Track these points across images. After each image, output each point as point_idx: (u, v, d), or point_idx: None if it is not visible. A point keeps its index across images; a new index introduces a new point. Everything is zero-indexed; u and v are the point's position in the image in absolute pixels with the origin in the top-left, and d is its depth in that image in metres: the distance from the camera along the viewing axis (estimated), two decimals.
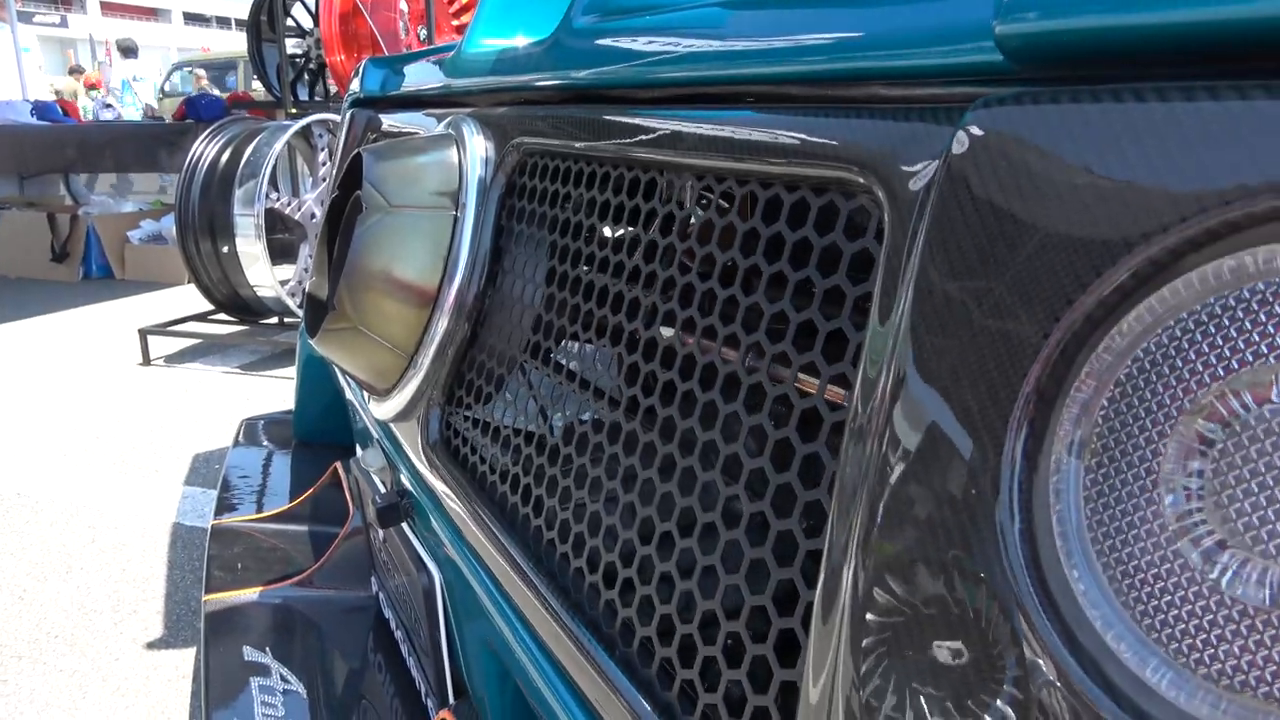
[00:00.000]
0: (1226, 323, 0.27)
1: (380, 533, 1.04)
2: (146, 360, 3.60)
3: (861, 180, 0.43)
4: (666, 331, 0.60)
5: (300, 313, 3.56)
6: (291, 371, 3.49)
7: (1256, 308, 0.26)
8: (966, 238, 0.34)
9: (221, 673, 1.08)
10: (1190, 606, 0.26)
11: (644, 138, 0.63)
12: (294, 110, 4.49)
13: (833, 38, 0.50)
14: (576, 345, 0.83)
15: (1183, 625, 0.26)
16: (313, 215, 3.58)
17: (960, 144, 0.36)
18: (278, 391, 3.25)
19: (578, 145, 0.73)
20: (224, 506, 1.56)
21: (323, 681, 1.09)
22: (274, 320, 3.85)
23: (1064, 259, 0.30)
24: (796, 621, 0.42)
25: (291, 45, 4.76)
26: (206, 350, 3.78)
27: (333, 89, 4.91)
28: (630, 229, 0.66)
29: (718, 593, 0.48)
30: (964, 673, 0.30)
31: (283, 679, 1.07)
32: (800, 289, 0.48)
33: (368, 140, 1.58)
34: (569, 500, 0.66)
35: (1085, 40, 0.31)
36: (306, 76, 5.53)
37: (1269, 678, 0.24)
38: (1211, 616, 0.26)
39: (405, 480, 0.95)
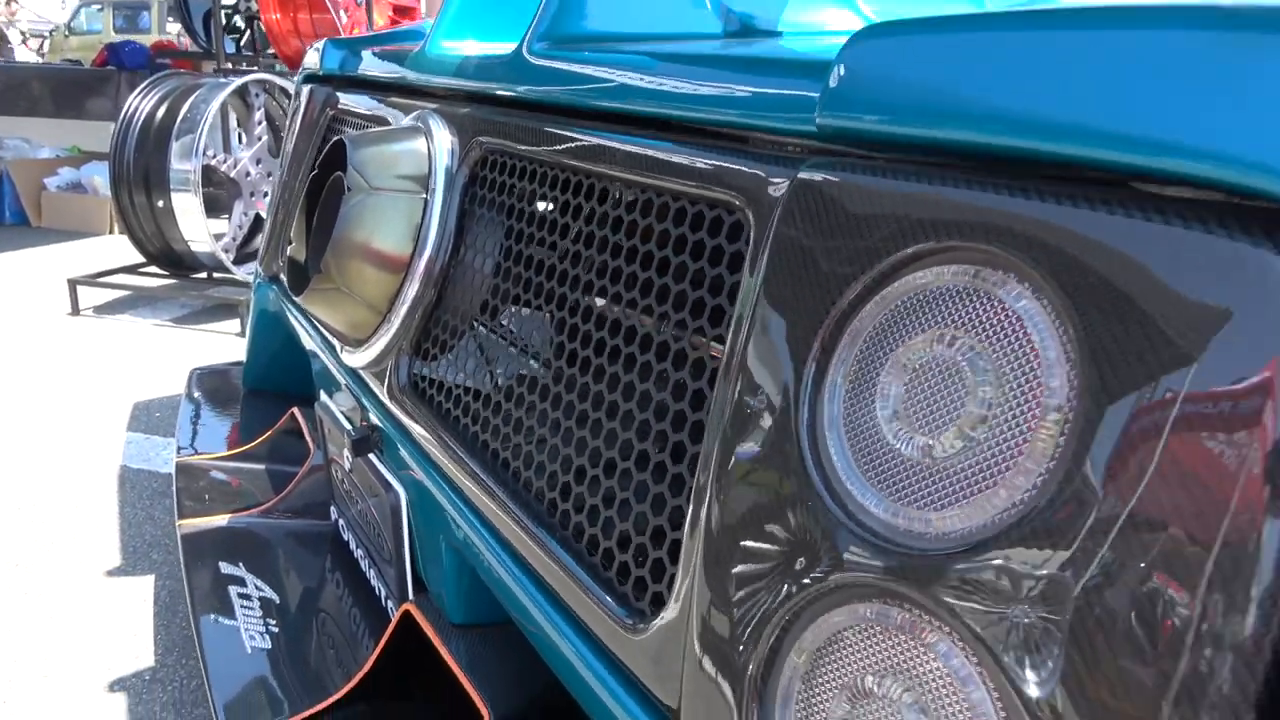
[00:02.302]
0: (914, 309, 0.48)
1: (347, 464, 1.21)
2: (76, 310, 3.63)
3: (738, 203, 0.64)
4: (599, 300, 0.80)
5: (234, 269, 3.63)
6: (223, 326, 3.57)
7: (927, 302, 0.47)
8: (791, 250, 0.55)
9: (203, 583, 1.25)
10: (886, 463, 0.48)
11: (583, 149, 0.83)
12: (227, 65, 4.49)
13: (725, 94, 0.70)
14: (524, 306, 1.02)
15: (883, 473, 0.48)
16: (247, 173, 3.65)
17: (794, 188, 0.57)
18: (211, 345, 3.33)
19: (530, 149, 0.92)
20: (184, 449, 1.71)
21: (292, 590, 1.27)
22: (203, 275, 3.90)
23: (842, 267, 0.51)
24: (684, 500, 0.63)
25: None
26: (136, 302, 3.82)
27: (266, 47, 4.90)
28: (570, 221, 0.86)
29: (631, 484, 0.69)
30: (774, 504, 0.51)
31: (257, 587, 1.25)
32: (696, 275, 0.68)
33: (325, 115, 1.72)
34: (520, 427, 0.86)
35: (859, 135, 0.52)
36: (237, 29, 5.49)
37: (921, 496, 0.46)
38: (896, 468, 0.47)
39: (374, 418, 1.13)
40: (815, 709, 0.49)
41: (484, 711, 0.90)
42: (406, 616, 1.03)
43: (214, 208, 3.74)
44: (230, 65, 4.65)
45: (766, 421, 0.54)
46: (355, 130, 1.55)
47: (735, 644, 0.53)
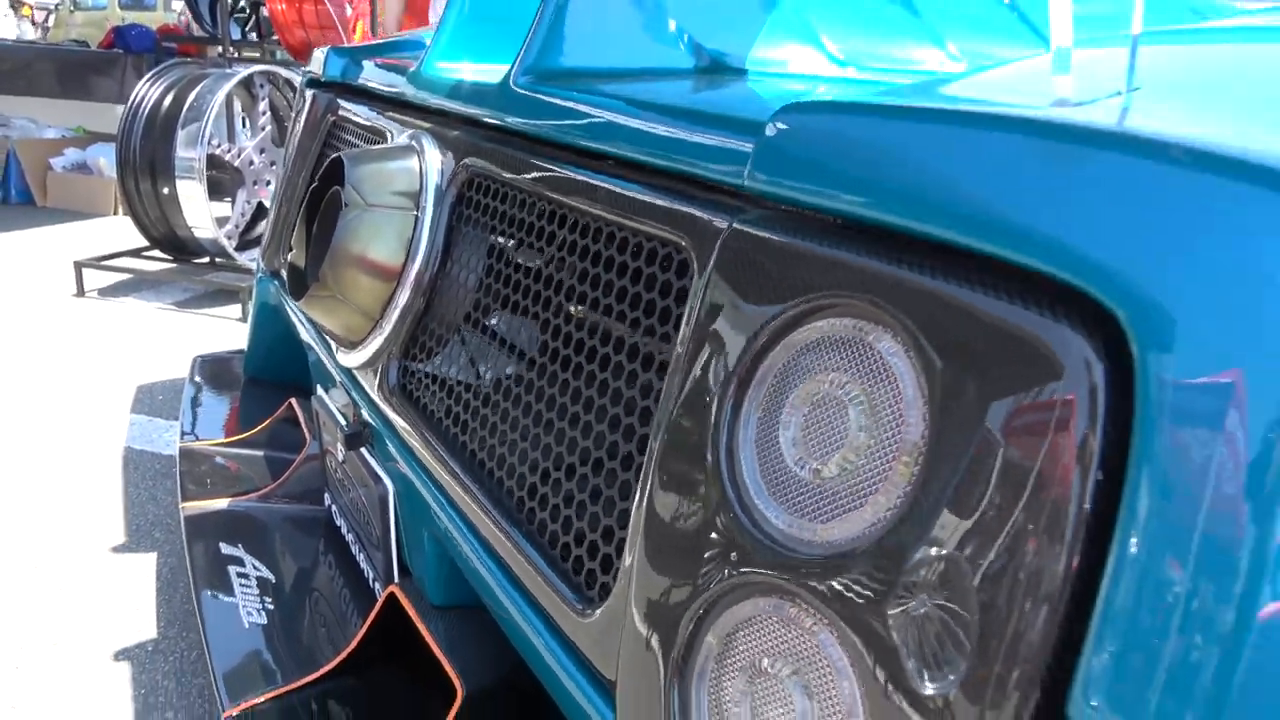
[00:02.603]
0: (812, 353, 0.57)
1: (340, 455, 1.31)
2: (81, 292, 3.71)
3: (684, 243, 0.73)
4: (565, 319, 0.89)
5: (236, 255, 3.71)
6: (224, 310, 3.65)
7: (822, 349, 0.56)
8: (721, 291, 0.64)
9: (204, 562, 1.34)
10: (786, 482, 0.57)
11: (556, 181, 0.91)
12: (232, 52, 4.56)
13: (679, 141, 0.79)
14: (501, 318, 1.11)
15: (783, 490, 0.57)
16: (251, 162, 3.73)
17: (729, 235, 0.66)
18: (212, 329, 3.42)
19: (511, 175, 1.00)
20: (187, 433, 1.80)
21: (288, 570, 1.37)
22: (206, 260, 3.97)
23: (759, 312, 0.60)
24: (629, 503, 0.72)
25: None
26: (139, 285, 3.90)
27: (270, 32, 4.96)
28: (543, 244, 0.94)
29: (587, 487, 0.78)
30: (697, 512, 0.61)
31: (255, 567, 1.34)
32: (649, 305, 0.77)
33: (327, 121, 1.80)
34: (494, 430, 0.95)
35: (777, 197, 0.61)
36: (242, 12, 5.55)
37: (811, 511, 0.55)
38: (793, 486, 0.56)
39: (366, 415, 1.22)
40: (723, 685, 0.58)
41: (458, 685, 0.99)
42: (391, 598, 1.13)
43: (215, 189, 3.81)
44: (235, 51, 4.72)
45: (695, 441, 0.63)
46: (354, 137, 1.63)
47: (663, 628, 0.63)
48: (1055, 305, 0.45)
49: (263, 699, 1.09)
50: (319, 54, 1.91)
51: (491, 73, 1.22)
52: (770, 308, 0.60)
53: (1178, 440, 0.40)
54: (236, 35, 5.49)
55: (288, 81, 3.70)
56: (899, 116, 0.54)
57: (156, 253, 3.98)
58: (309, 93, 1.93)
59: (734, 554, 0.58)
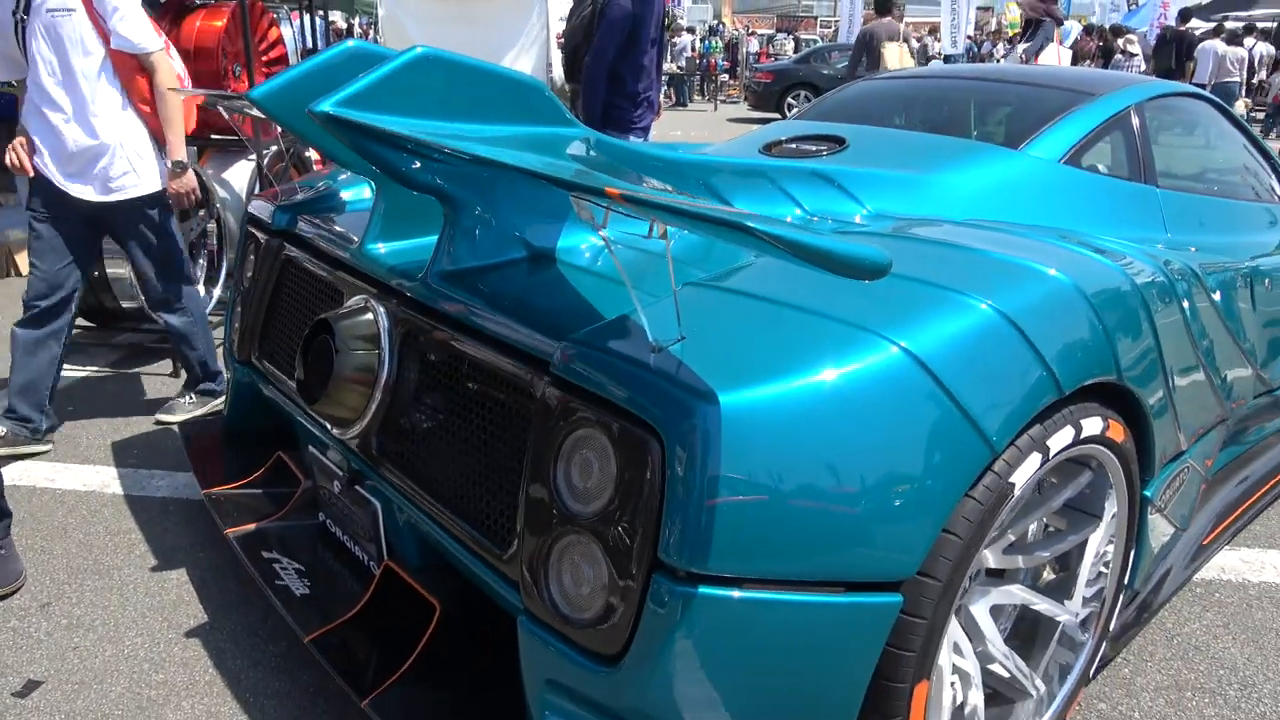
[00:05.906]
0: (580, 442, 1.51)
1: (336, 488, 2.16)
2: None
3: (534, 391, 1.64)
4: (471, 417, 1.79)
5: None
6: (152, 368, 4.32)
7: (583, 440, 1.50)
8: (546, 412, 1.57)
9: (258, 564, 2.18)
10: (575, 490, 1.51)
11: (458, 344, 1.81)
12: None
13: (517, 329, 1.70)
14: (433, 404, 1.99)
15: (574, 492, 1.51)
16: None
17: (545, 388, 1.58)
18: (151, 386, 4.09)
19: (429, 334, 1.89)
20: (203, 483, 2.59)
21: (311, 562, 2.22)
22: (125, 325, 4.59)
23: (561, 422, 1.53)
24: (519, 500, 1.64)
25: None
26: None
27: None
28: (456, 371, 1.84)
29: (499, 491, 1.69)
30: (544, 507, 1.54)
31: (290, 562, 2.19)
32: (516, 401, 1.68)
33: (279, 259, 2.61)
34: (443, 463, 1.84)
35: (562, 378, 1.55)
36: None
37: (584, 500, 1.49)
38: (578, 491, 1.50)
39: (355, 465, 2.09)
40: (560, 567, 1.52)
41: (436, 605, 1.89)
42: (387, 569, 2.01)
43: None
44: None
45: (540, 473, 1.55)
46: (310, 281, 2.46)
47: (535, 549, 1.55)
48: (648, 429, 1.39)
49: (323, 630, 1.96)
50: (267, 207, 2.70)
51: (417, 250, 2.10)
52: (565, 421, 1.52)
53: (678, 471, 1.35)
54: None
55: None
56: (605, 352, 1.47)
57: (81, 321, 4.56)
58: (257, 232, 2.72)
59: (557, 517, 1.51)
